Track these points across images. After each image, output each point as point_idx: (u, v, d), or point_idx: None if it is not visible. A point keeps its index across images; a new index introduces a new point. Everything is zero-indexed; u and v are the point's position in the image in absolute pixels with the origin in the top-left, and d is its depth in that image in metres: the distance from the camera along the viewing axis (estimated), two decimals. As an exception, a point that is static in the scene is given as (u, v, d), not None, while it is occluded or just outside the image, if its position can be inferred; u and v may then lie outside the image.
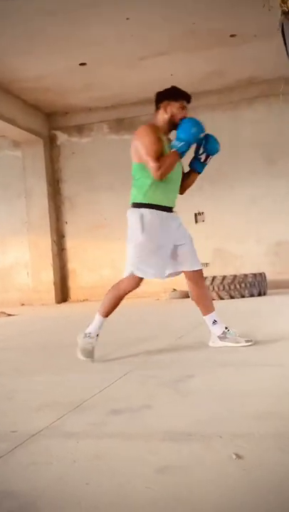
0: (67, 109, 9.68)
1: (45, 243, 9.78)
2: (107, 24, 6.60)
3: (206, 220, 9.28)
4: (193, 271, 3.38)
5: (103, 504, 1.28)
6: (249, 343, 3.25)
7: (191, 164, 3.45)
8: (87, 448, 1.69)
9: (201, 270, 3.41)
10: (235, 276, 7.72)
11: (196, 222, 9.30)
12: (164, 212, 3.27)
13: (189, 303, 7.69)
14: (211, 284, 7.72)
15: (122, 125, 9.51)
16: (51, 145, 10.09)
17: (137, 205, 3.29)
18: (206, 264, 9.21)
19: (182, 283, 8.50)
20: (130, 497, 1.31)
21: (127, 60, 7.77)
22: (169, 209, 3.31)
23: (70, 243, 9.95)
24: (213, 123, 9.23)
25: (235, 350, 3.18)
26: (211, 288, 7.73)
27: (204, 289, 3.44)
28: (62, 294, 9.87)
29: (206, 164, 3.46)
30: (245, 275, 7.76)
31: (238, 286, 7.67)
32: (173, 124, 3.30)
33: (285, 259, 8.90)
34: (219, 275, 7.89)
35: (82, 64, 7.83)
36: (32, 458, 1.63)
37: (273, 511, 1.18)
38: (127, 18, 6.49)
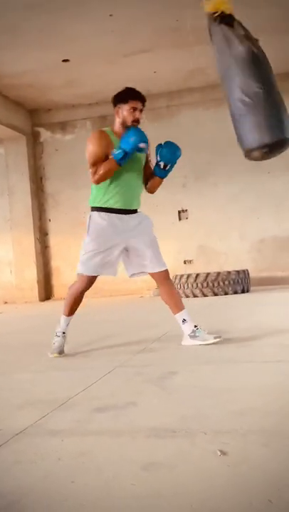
0: (50, 105, 9.63)
1: (29, 241, 9.73)
2: (90, 20, 6.57)
3: (190, 217, 9.31)
4: (158, 272, 3.41)
5: (89, 502, 1.28)
6: (218, 339, 3.26)
7: (154, 169, 3.46)
8: (72, 446, 1.69)
9: (164, 271, 3.42)
10: (218, 274, 7.76)
11: (180, 219, 9.33)
12: (115, 215, 3.31)
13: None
14: (195, 281, 7.75)
15: (106, 122, 9.47)
16: (34, 142, 10.03)
17: (91, 209, 3.38)
18: (190, 261, 9.24)
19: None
20: (116, 494, 1.31)
21: (110, 57, 7.74)
22: (122, 211, 3.33)
23: (53, 241, 9.91)
24: (196, 120, 9.28)
25: (219, 348, 3.19)
26: (194, 285, 7.75)
27: (171, 289, 3.44)
28: (46, 292, 9.83)
29: (168, 170, 3.42)
30: (229, 272, 7.80)
31: (221, 283, 7.70)
32: (127, 127, 3.26)
33: (268, 256, 8.96)
34: (203, 272, 7.92)
35: (65, 60, 7.79)
36: (16, 456, 1.62)
37: (257, 507, 1.19)
38: (110, 15, 6.46)
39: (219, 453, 1.49)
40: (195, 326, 3.36)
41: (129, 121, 3.26)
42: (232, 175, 9.10)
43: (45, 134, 9.99)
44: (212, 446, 1.56)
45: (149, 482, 1.36)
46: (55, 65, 7.91)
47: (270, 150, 3.12)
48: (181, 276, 7.89)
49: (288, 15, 6.78)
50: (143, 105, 3.31)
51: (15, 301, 9.65)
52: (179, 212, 9.35)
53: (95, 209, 3.35)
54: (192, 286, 7.77)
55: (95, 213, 3.33)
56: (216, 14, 3.23)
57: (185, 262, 9.17)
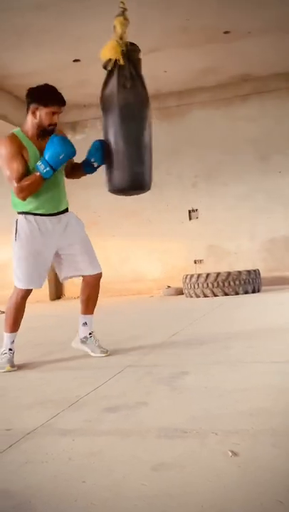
0: (60, 105, 9.64)
1: (39, 240, 9.75)
2: (100, 20, 6.57)
3: (200, 216, 9.29)
4: (93, 275, 3.27)
5: (99, 501, 1.28)
6: (102, 355, 3.21)
7: (83, 164, 3.21)
8: (82, 445, 1.69)
9: (99, 274, 3.29)
10: (229, 273, 7.73)
11: (190, 219, 9.31)
12: (42, 218, 3.10)
13: (183, 300, 7.71)
14: (205, 281, 7.73)
15: (116, 122, 9.50)
16: (44, 142, 10.05)
17: (17, 213, 3.16)
18: (200, 260, 9.23)
19: (177, 280, 8.51)
20: (126, 494, 1.31)
21: (120, 57, 7.75)
22: (49, 215, 3.12)
23: (63, 240, 9.93)
24: (206, 120, 9.26)
25: (228, 348, 3.18)
26: (205, 285, 7.73)
27: (95, 293, 3.32)
28: (57, 291, 9.86)
29: (97, 169, 3.23)
30: (239, 272, 7.77)
31: (232, 283, 7.68)
32: (43, 129, 3.06)
33: (279, 255, 8.92)
34: (213, 272, 7.90)
35: (75, 60, 7.81)
36: (27, 456, 1.63)
37: (268, 507, 1.19)
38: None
39: (230, 454, 1.49)
40: (90, 334, 3.33)
41: (46, 124, 3.05)
42: (242, 174, 9.08)
43: (55, 134, 10.01)
44: (222, 446, 1.55)
45: (159, 482, 1.36)
46: (65, 65, 7.93)
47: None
48: (192, 276, 7.87)
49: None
50: (62, 108, 3.12)
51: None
52: (189, 211, 9.34)
53: (21, 213, 3.13)
54: (202, 286, 7.75)
55: (22, 217, 3.11)
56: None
57: (195, 262, 9.16)
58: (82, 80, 8.54)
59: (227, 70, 8.55)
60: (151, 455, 1.55)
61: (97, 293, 3.35)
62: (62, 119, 11.06)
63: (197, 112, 9.35)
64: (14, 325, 3.24)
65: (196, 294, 7.78)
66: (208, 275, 7.77)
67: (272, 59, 8.19)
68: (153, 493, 1.30)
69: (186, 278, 7.90)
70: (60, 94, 3.10)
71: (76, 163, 3.30)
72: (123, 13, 3.29)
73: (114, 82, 3.14)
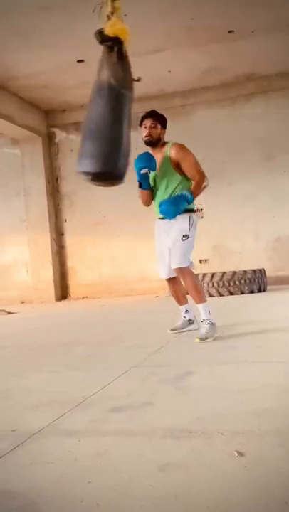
0: (65, 106, 9.66)
1: (45, 241, 9.77)
2: (104, 21, 6.58)
3: (205, 216, 9.27)
4: (174, 268, 3.78)
5: (105, 502, 1.28)
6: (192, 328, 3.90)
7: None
8: (88, 446, 1.69)
9: (176, 268, 3.74)
10: (234, 273, 7.72)
11: (195, 218, 9.29)
12: (158, 221, 3.93)
13: (189, 299, 7.67)
14: (211, 280, 7.72)
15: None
16: (50, 142, 10.07)
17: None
18: (206, 260, 9.21)
19: (181, 280, 8.49)
20: (132, 494, 1.31)
21: (124, 57, 7.74)
22: (161, 218, 3.87)
23: (69, 241, 9.95)
24: (211, 119, 9.24)
25: (234, 348, 3.17)
26: (210, 284, 7.72)
27: (178, 285, 4.02)
28: (62, 292, 9.87)
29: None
30: (245, 271, 7.76)
31: (237, 282, 7.66)
32: (145, 141, 3.86)
33: (284, 255, 8.90)
34: (218, 271, 7.89)
35: (79, 61, 7.81)
36: (32, 457, 1.63)
37: (274, 509, 1.18)
38: (125, 15, 6.45)
39: (236, 454, 1.48)
40: (189, 320, 4.05)
41: (142, 137, 3.85)
42: (247, 174, 9.06)
43: (60, 135, 10.03)
44: (228, 447, 1.55)
45: (165, 483, 1.35)
46: (69, 65, 7.94)
47: (93, 178, 3.09)
48: (197, 275, 7.86)
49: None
50: (152, 120, 3.85)
51: (31, 300, 9.70)
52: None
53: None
54: (208, 285, 7.74)
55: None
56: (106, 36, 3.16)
57: (201, 262, 9.14)
58: (87, 81, 8.53)
59: (231, 69, 8.54)
60: (157, 455, 1.55)
61: (182, 285, 3.98)
62: (66, 120, 11.06)
63: (202, 112, 9.34)
64: (204, 295, 3.79)
65: (201, 294, 7.76)
66: (213, 275, 7.76)
67: (277, 58, 8.18)
68: (159, 494, 1.30)
69: (191, 278, 7.87)
70: (149, 111, 3.93)
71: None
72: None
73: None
